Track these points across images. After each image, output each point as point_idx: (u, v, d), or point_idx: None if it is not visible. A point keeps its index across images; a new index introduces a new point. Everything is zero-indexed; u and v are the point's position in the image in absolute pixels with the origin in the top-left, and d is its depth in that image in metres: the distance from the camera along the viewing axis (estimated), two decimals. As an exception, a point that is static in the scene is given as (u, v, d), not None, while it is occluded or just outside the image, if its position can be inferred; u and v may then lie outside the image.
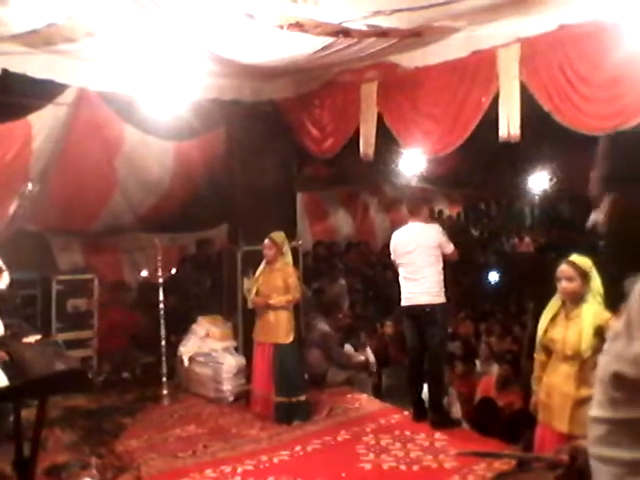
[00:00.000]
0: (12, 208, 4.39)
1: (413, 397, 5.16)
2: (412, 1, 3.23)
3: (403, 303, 5.10)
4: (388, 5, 3.25)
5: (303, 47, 4.20)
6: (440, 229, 5.14)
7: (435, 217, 13.34)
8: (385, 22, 3.64)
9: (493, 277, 10.96)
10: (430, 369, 5.09)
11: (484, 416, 5.69)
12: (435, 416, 4.95)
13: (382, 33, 4.01)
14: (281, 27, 3.67)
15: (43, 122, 5.03)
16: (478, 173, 11.08)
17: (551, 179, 12.76)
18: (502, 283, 10.87)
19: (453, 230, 13.31)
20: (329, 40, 4.06)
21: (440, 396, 5.07)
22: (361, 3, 3.14)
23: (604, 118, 3.86)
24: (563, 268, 3.33)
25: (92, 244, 7.05)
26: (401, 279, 5.11)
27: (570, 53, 4.00)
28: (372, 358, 6.45)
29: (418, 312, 4.98)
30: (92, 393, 5.73)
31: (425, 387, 5.17)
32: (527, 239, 13.73)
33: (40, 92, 4.67)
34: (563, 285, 3.31)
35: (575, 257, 3.35)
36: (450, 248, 5.06)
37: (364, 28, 3.77)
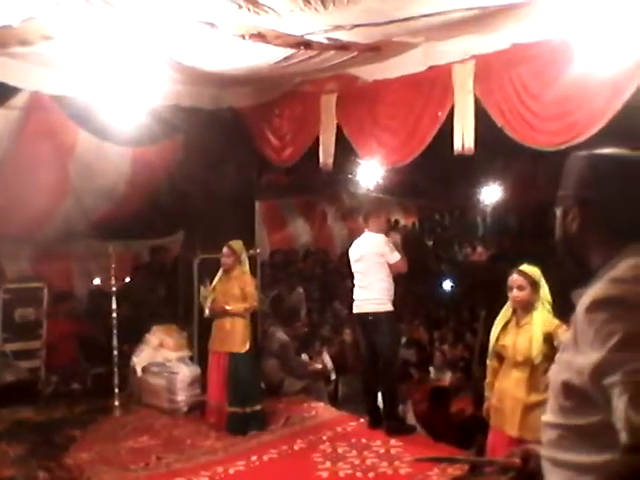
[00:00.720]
0: None
1: (368, 404, 5.20)
2: (372, 17, 3.30)
3: (354, 310, 5.21)
4: (349, 20, 3.32)
5: (264, 57, 4.22)
6: (385, 239, 5.15)
7: (391, 227, 13.56)
8: (345, 36, 3.70)
9: (447, 285, 11.18)
10: (382, 376, 5.13)
11: (436, 424, 5.82)
12: (390, 423, 5.01)
13: (342, 47, 4.07)
14: (243, 37, 3.68)
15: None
16: (433, 184, 11.32)
17: (501, 191, 13.17)
18: (455, 291, 11.11)
19: (408, 239, 13.54)
20: (290, 51, 4.09)
21: (394, 403, 5.13)
22: (322, 17, 3.19)
23: (554, 134, 4.01)
24: (514, 277, 3.45)
25: (42, 252, 6.83)
26: (354, 287, 5.22)
27: (522, 71, 4.15)
28: (330, 365, 6.47)
29: (365, 319, 5.07)
30: (40, 405, 5.55)
31: (380, 394, 5.23)
32: (479, 248, 14.08)
33: (-10, 94, 4.52)
34: (514, 294, 3.43)
35: (525, 267, 3.47)
36: (394, 258, 5.06)
37: (325, 41, 3.82)
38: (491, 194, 13.45)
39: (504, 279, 3.56)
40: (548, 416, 1.25)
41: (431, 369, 7.20)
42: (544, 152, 4.28)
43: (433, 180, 10.66)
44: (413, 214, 14.60)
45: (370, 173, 9.53)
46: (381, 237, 5.17)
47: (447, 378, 7.06)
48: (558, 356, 1.24)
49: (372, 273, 5.02)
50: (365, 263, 5.07)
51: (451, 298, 10.83)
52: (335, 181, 9.91)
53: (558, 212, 1.39)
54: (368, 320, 5.02)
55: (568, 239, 1.36)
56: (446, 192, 12.52)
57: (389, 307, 5.01)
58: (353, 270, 5.21)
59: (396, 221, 13.73)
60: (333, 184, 10.46)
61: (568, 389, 1.17)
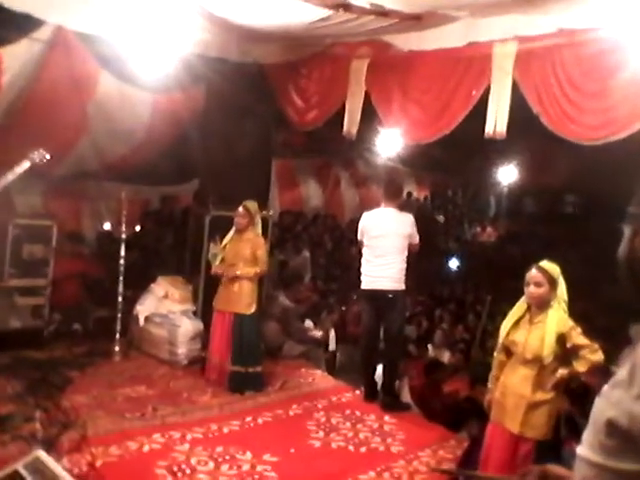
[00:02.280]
0: (19, 170, 4.12)
1: (366, 378, 5.22)
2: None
3: (364, 286, 5.09)
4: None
5: (301, 16, 4.05)
6: (413, 220, 5.13)
7: (405, 198, 13.44)
8: (390, 3, 3.53)
9: (453, 264, 11.14)
10: (387, 353, 5.15)
11: (430, 401, 5.85)
12: (386, 398, 5.04)
13: (383, 13, 3.90)
14: (281, -8, 3.52)
15: (15, 57, 4.72)
16: (449, 159, 11.14)
17: (518, 174, 12.98)
18: (461, 270, 11.08)
19: (419, 214, 13.44)
20: (328, 12, 3.92)
21: (393, 379, 5.16)
22: (370, -19, 3.03)
23: (591, 128, 3.88)
24: (533, 273, 3.37)
25: (54, 189, 6.77)
26: (364, 261, 5.09)
27: (565, 59, 3.99)
28: (332, 333, 6.47)
29: (379, 296, 4.99)
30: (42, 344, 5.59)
31: (379, 369, 5.24)
32: (489, 229, 14.00)
33: (15, 25, 4.36)
34: (531, 290, 3.36)
35: (545, 263, 3.38)
36: (417, 239, 5.11)
37: (366, 6, 3.65)
38: (507, 175, 13.27)
39: (511, 263, 3.49)
40: (586, 451, 1.19)
41: (429, 347, 7.22)
42: (567, 140, 4.15)
43: (450, 154, 10.48)
44: (426, 187, 14.45)
45: (389, 143, 9.38)
46: (409, 217, 5.12)
47: (445, 357, 7.08)
48: (607, 390, 1.16)
49: (395, 253, 4.94)
50: (389, 241, 4.96)
51: (456, 277, 10.81)
52: (353, 147, 9.74)
53: (627, 231, 1.29)
54: (384, 297, 4.95)
55: (634, 262, 1.26)
56: (462, 168, 12.35)
57: (404, 286, 5.00)
58: (368, 244, 5.07)
59: (409, 193, 13.59)
60: (350, 149, 10.30)
61: (613, 428, 1.11)
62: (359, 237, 5.22)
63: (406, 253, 5.00)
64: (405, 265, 5.00)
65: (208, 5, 4.16)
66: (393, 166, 11.62)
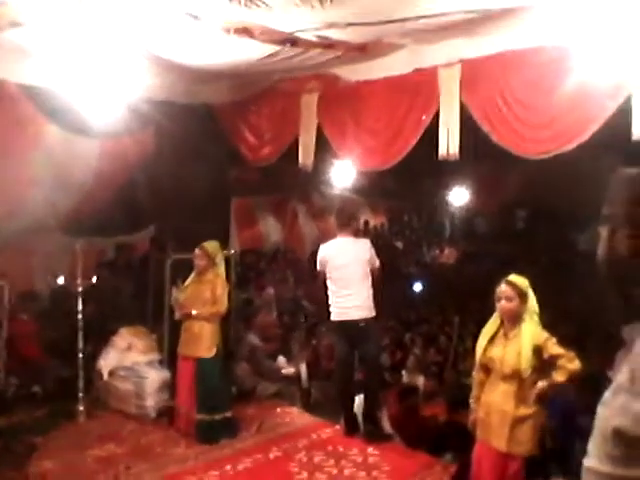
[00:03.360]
0: None
1: (345, 411, 5.11)
2: (367, 17, 3.18)
3: (334, 317, 5.01)
4: (344, 18, 3.19)
5: (247, 53, 4.05)
6: (369, 244, 5.15)
7: (362, 228, 13.53)
8: (337, 34, 3.58)
9: (417, 287, 11.20)
10: (367, 382, 5.09)
11: (409, 428, 5.77)
12: (369, 427, 4.94)
13: (329, 45, 3.95)
14: (227, 31, 3.52)
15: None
16: (401, 185, 11.33)
17: (469, 193, 13.30)
18: (425, 293, 11.13)
19: (378, 240, 13.55)
20: (274, 48, 3.94)
21: (375, 409, 5.06)
22: (316, 14, 3.05)
23: (542, 142, 3.98)
24: (502, 288, 3.39)
25: (3, 247, 6.49)
26: (330, 293, 5.01)
27: (510, 77, 4.10)
28: (303, 369, 6.34)
29: (350, 326, 4.92)
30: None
31: (357, 400, 5.14)
32: (447, 250, 14.18)
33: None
34: (502, 304, 3.38)
35: (513, 277, 3.42)
36: (377, 263, 5.11)
37: (313, 39, 3.69)
38: (459, 196, 13.58)
39: (472, 281, 3.52)
40: (593, 462, 1.16)
41: (403, 373, 7.16)
42: (512, 155, 4.25)
43: (402, 181, 10.67)
44: (382, 215, 14.61)
45: (343, 173, 9.47)
46: (366, 242, 5.14)
47: (420, 382, 7.03)
48: (609, 398, 1.14)
49: (359, 280, 4.89)
50: (352, 269, 4.91)
51: (421, 300, 10.85)
52: (307, 180, 9.79)
53: (603, 232, 1.29)
54: (355, 327, 4.87)
55: (614, 262, 1.26)
56: (414, 193, 12.57)
57: (374, 313, 4.94)
58: (331, 276, 5.00)
59: (366, 221, 13.70)
60: (305, 183, 10.34)
61: (620, 437, 1.08)
62: (318, 268, 5.14)
63: (370, 279, 4.97)
64: (371, 291, 4.96)
65: (154, 48, 4.12)
66: (348, 196, 11.72)
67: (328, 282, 5.03)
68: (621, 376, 1.11)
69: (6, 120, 4.83)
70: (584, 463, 1.19)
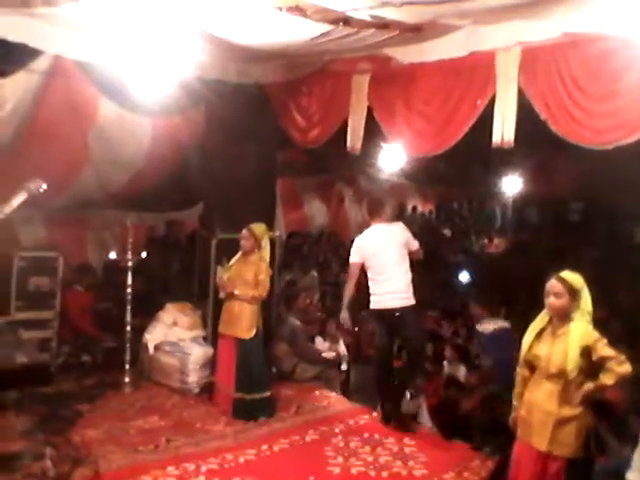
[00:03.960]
0: (16, 201, 4.03)
1: (383, 399, 5.07)
2: (423, -5, 3.08)
3: (372, 306, 4.93)
4: (398, -3, 3.10)
5: (299, 32, 4.00)
6: (404, 226, 5.04)
7: (406, 213, 13.36)
8: (391, 14, 3.47)
9: (463, 277, 11.00)
10: (406, 369, 5.04)
11: (448, 420, 5.70)
12: (389, 407, 4.94)
13: (383, 25, 3.84)
14: (280, 9, 3.47)
15: (13, 89, 4.70)
16: (453, 172, 11.09)
17: (522, 183, 12.91)
18: (471, 283, 10.91)
19: (425, 227, 13.35)
20: (327, 28, 3.86)
21: (401, 392, 5.04)
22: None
23: (601, 132, 3.78)
24: (552, 283, 3.25)
25: (58, 220, 6.72)
26: (370, 281, 4.93)
27: (571, 62, 3.90)
28: (344, 353, 6.33)
29: (388, 315, 4.84)
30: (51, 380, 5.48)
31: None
32: (496, 240, 13.87)
33: (12, 56, 4.33)
34: (551, 301, 3.24)
35: (566, 273, 3.27)
36: (416, 245, 5.00)
37: (367, 18, 3.60)
38: (512, 185, 13.20)
39: (521, 272, 3.39)
40: (636, 476, 1.08)
41: (445, 363, 7.05)
42: (570, 146, 4.06)
43: (453, 167, 10.43)
44: (431, 201, 14.38)
45: (392, 157, 9.32)
46: (400, 225, 5.03)
47: (461, 373, 6.91)
48: None
49: (396, 265, 4.81)
50: (387, 255, 4.82)
51: (467, 290, 10.64)
52: (355, 163, 9.69)
53: None
54: (394, 316, 4.80)
55: None
56: (466, 180, 12.29)
57: (413, 301, 4.85)
58: (369, 265, 4.90)
59: (414, 207, 13.52)
60: (353, 166, 10.24)
61: None
62: (351, 260, 5.03)
63: (407, 263, 4.87)
64: (409, 277, 4.85)
65: (207, 26, 4.11)
66: (396, 181, 11.57)
67: (368, 271, 4.95)
68: None
69: (61, 95, 4.95)
70: (627, 477, 1.12)
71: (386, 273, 4.82)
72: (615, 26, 3.55)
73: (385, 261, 4.83)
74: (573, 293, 3.19)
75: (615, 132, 3.75)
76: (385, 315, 4.87)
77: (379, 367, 5.10)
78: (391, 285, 4.80)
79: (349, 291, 5.01)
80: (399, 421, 4.89)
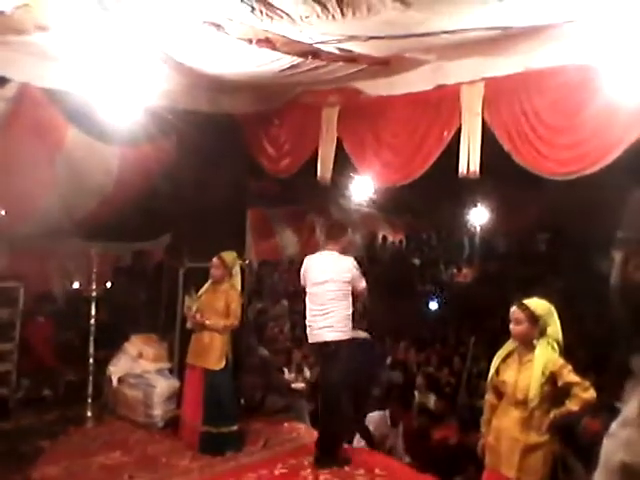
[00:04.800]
0: None
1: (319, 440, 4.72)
2: (389, 30, 3.15)
3: (310, 340, 4.70)
4: (365, 31, 3.17)
5: (269, 64, 4.06)
6: (354, 263, 4.69)
7: (380, 243, 13.45)
8: (358, 48, 3.55)
9: (432, 306, 11.07)
10: (322, 411, 4.77)
11: (420, 450, 5.66)
12: (318, 455, 4.63)
13: (351, 59, 3.92)
14: (249, 41, 3.51)
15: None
16: (422, 202, 11.25)
17: (490, 214, 13.17)
18: (441, 312, 11.00)
19: (395, 257, 13.46)
20: (297, 60, 3.93)
21: (329, 439, 4.68)
22: (338, 26, 3.03)
23: (564, 163, 3.89)
24: (513, 310, 3.29)
25: (20, 249, 6.55)
26: (307, 311, 4.68)
27: (533, 96, 4.03)
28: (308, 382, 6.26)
29: (323, 348, 4.60)
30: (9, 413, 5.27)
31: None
32: (465, 270, 14.04)
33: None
34: (511, 327, 3.29)
35: (529, 300, 3.30)
36: (362, 285, 4.71)
37: (335, 51, 3.67)
38: (479, 216, 13.46)
39: (490, 301, 3.43)
40: None
41: (416, 393, 7.04)
42: (536, 177, 4.16)
43: (422, 198, 10.59)
44: (401, 231, 14.54)
45: (362, 188, 9.42)
46: (350, 260, 4.69)
47: (431, 402, 6.91)
48: (616, 430, 1.07)
49: (336, 300, 4.55)
50: (331, 288, 4.56)
51: (437, 319, 10.71)
52: (326, 193, 9.76)
53: (617, 257, 1.22)
54: (328, 349, 4.54)
55: (627, 288, 1.19)
56: (434, 211, 12.49)
57: (349, 335, 4.62)
58: (309, 291, 4.67)
59: (384, 237, 13.63)
60: (324, 196, 10.32)
61: (625, 471, 1.01)
62: (302, 283, 4.83)
63: (350, 299, 4.61)
64: (349, 312, 4.59)
65: (177, 55, 4.13)
66: (366, 211, 11.69)
67: (306, 299, 4.71)
68: (629, 409, 1.04)
69: (27, 123, 4.88)
70: None
71: (325, 307, 4.56)
72: (575, 57, 3.69)
73: (326, 295, 4.57)
74: (534, 320, 3.22)
75: (577, 163, 3.86)
76: (320, 348, 4.64)
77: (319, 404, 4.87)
78: (328, 320, 4.54)
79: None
80: (332, 462, 4.61)
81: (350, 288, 4.62)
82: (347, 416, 4.79)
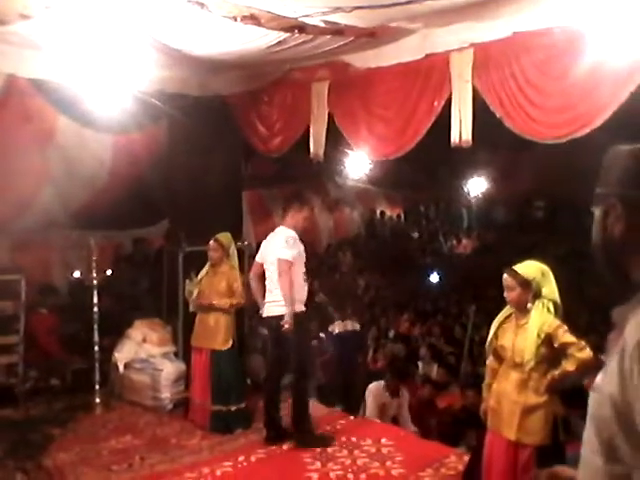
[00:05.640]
0: None
1: (268, 417, 4.71)
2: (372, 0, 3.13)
3: (263, 314, 4.67)
4: (349, 2, 3.15)
5: (255, 41, 4.03)
6: (289, 241, 4.48)
7: (378, 218, 13.45)
8: (343, 19, 3.53)
9: (433, 278, 11.13)
10: (292, 384, 4.72)
11: (425, 418, 5.74)
12: (299, 435, 4.59)
13: (338, 31, 3.90)
14: (234, 18, 3.48)
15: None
16: (418, 175, 11.24)
17: (486, 183, 13.16)
18: (442, 284, 11.05)
19: (394, 231, 13.48)
20: (283, 35, 3.90)
21: (303, 413, 4.65)
22: (321, -2, 3.02)
23: (555, 126, 3.88)
24: (504, 277, 3.31)
25: (20, 242, 6.58)
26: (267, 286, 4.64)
27: (523, 61, 4.00)
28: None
29: (273, 323, 4.56)
30: (18, 403, 5.34)
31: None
32: (464, 241, 14.08)
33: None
34: (505, 294, 3.31)
35: (519, 265, 3.30)
36: (283, 254, 4.43)
37: (321, 24, 3.65)
38: (476, 186, 13.46)
39: (489, 271, 3.44)
40: (585, 450, 1.11)
41: (419, 363, 7.12)
42: (530, 144, 4.15)
43: (418, 171, 10.58)
44: (398, 205, 14.54)
45: (357, 163, 9.41)
46: (282, 238, 4.53)
47: (434, 372, 6.99)
48: (600, 383, 1.09)
49: (276, 279, 4.48)
50: (268, 268, 4.58)
51: (438, 291, 10.77)
52: (322, 171, 9.75)
53: (597, 212, 1.23)
54: (277, 324, 4.48)
55: (608, 244, 1.20)
56: (431, 183, 12.48)
57: (301, 308, 4.55)
58: (264, 268, 4.66)
59: (382, 212, 13.63)
60: (320, 174, 10.31)
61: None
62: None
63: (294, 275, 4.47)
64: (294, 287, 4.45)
65: (163, 38, 4.10)
66: (363, 187, 11.68)
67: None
68: (611, 361, 1.06)
69: (16, 115, 4.87)
70: (581, 450, 1.15)
71: (272, 283, 4.55)
72: (563, 21, 3.66)
73: (268, 274, 4.59)
74: (526, 284, 3.23)
75: (568, 126, 3.85)
76: (270, 323, 4.65)
77: (268, 381, 4.85)
78: (276, 295, 4.50)
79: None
80: (312, 441, 4.57)
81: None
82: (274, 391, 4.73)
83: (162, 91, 5.41)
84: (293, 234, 4.58)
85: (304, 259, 4.68)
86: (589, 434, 1.10)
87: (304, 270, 4.66)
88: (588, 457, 1.09)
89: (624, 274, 1.18)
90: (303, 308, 4.60)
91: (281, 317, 4.43)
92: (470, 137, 4.31)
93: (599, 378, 1.12)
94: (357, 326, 6.30)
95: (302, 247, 4.66)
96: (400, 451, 4.49)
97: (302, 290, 4.59)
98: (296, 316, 4.45)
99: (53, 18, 3.77)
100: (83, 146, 5.75)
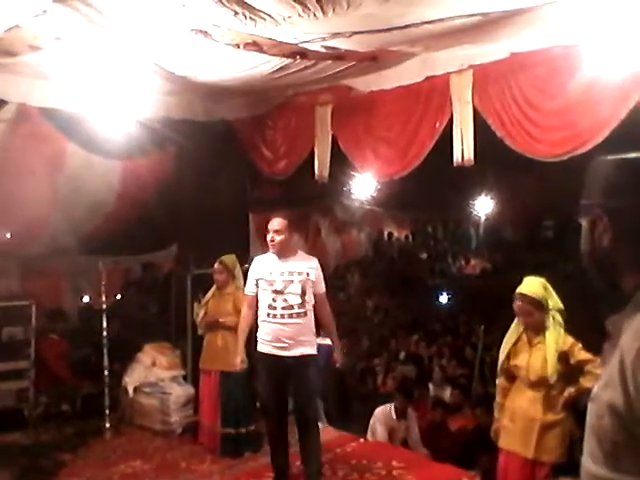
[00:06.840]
0: None
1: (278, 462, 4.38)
2: (372, 24, 3.21)
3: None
4: (347, 27, 3.23)
5: (258, 67, 4.12)
6: (253, 265, 4.40)
7: (386, 240, 13.46)
8: (343, 44, 3.61)
9: (442, 299, 11.08)
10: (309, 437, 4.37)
11: (437, 441, 5.67)
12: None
13: (339, 56, 3.98)
14: (237, 46, 3.58)
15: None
16: (425, 196, 11.26)
17: (494, 202, 13.15)
18: (451, 304, 11.00)
19: (403, 253, 13.47)
20: (285, 61, 3.99)
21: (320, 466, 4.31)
22: (320, 24, 3.09)
23: (556, 144, 3.93)
24: (518, 304, 3.30)
25: (29, 268, 6.66)
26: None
27: (521, 80, 4.07)
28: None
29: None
30: (28, 428, 5.35)
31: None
32: (473, 261, 14.03)
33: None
34: (522, 320, 3.31)
35: (523, 288, 3.30)
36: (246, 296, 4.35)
37: (321, 50, 3.73)
38: (484, 205, 13.43)
39: (499, 291, 3.45)
40: (592, 467, 1.10)
41: (430, 385, 7.06)
42: (538, 163, 4.18)
43: (425, 191, 10.59)
44: (406, 226, 14.55)
45: (363, 185, 9.46)
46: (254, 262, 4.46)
47: (447, 394, 6.93)
48: (598, 393, 1.10)
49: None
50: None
51: (447, 311, 10.71)
52: (328, 193, 9.81)
53: (584, 224, 1.26)
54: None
55: (597, 254, 1.22)
56: (439, 204, 12.49)
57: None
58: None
59: (390, 233, 13.65)
60: (326, 196, 10.36)
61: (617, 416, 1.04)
62: None
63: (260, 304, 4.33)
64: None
65: (167, 65, 4.21)
66: (371, 209, 11.72)
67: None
68: (609, 371, 1.07)
69: (27, 143, 4.98)
70: (582, 461, 1.15)
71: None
72: (560, 39, 3.73)
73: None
74: (539, 306, 3.24)
75: (569, 144, 3.89)
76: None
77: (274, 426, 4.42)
78: None
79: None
80: None
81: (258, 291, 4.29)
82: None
83: (169, 117, 5.52)
84: None
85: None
86: (591, 446, 1.10)
87: None
88: (592, 469, 1.08)
89: (615, 284, 1.20)
90: None
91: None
92: (472, 156, 4.36)
93: (596, 388, 1.13)
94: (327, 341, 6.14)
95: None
96: (411, 474, 4.44)
97: None
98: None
99: (62, 48, 3.89)
100: (92, 172, 5.85)
